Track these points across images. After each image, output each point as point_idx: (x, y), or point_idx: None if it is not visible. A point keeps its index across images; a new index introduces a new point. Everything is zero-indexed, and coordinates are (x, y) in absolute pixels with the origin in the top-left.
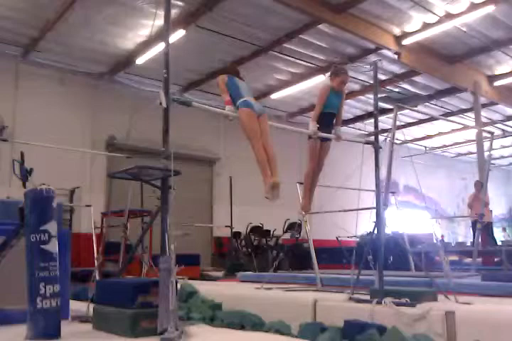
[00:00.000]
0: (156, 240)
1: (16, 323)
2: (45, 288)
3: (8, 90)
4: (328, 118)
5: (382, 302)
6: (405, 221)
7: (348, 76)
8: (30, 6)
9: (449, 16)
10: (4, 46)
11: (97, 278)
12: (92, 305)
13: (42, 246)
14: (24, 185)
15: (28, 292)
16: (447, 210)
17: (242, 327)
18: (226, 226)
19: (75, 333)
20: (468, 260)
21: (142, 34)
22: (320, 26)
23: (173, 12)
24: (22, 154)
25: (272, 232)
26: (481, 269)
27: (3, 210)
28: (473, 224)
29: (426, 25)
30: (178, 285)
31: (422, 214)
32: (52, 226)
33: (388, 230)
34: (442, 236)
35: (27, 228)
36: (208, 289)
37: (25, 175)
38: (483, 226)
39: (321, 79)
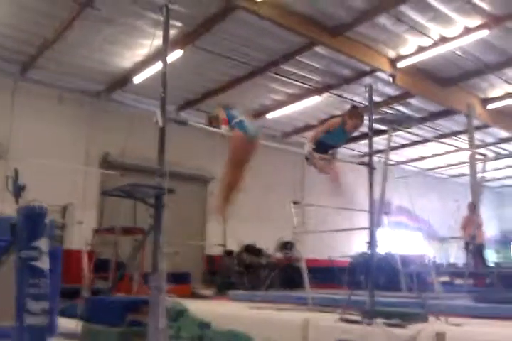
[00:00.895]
0: (148, 258)
1: (4, 339)
2: (33, 304)
3: (5, 107)
4: (325, 148)
5: (374, 323)
6: (398, 241)
7: (363, 123)
8: (30, 25)
9: (444, 40)
10: (2, 63)
11: (87, 295)
12: (80, 322)
13: (32, 263)
14: (17, 202)
15: (16, 308)
16: (440, 231)
17: None
18: (219, 245)
19: None
20: (459, 281)
21: (140, 53)
22: (316, 48)
23: (172, 32)
24: (16, 171)
25: (264, 251)
26: (473, 291)
27: None
28: (466, 246)
29: (421, 49)
30: (168, 304)
31: (415, 234)
32: (43, 243)
33: (381, 250)
34: (434, 257)
35: (18, 244)
36: (198, 307)
37: (19, 191)
38: (475, 248)
39: (316, 100)
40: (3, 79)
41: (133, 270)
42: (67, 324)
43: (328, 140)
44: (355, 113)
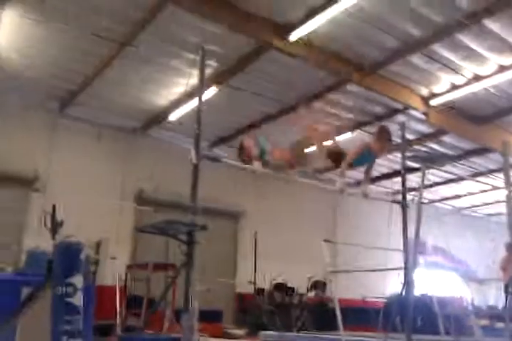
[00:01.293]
0: (180, 294)
1: None
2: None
3: (45, 143)
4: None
5: None
6: (434, 282)
7: (391, 143)
8: (70, 62)
9: (477, 78)
10: (43, 100)
11: (119, 332)
12: None
13: (67, 299)
14: (53, 237)
15: None
16: (477, 272)
17: None
18: (249, 282)
19: None
20: (500, 325)
21: (176, 91)
22: (348, 86)
23: (207, 71)
24: (54, 207)
25: (296, 289)
26: None
27: (31, 260)
28: (506, 288)
29: (454, 87)
30: None
31: (451, 275)
32: (78, 280)
33: (417, 292)
34: (473, 298)
35: (54, 280)
36: None
37: (56, 227)
38: None
39: (347, 137)
40: (43, 115)
41: (165, 307)
42: None
43: (356, 163)
44: (383, 135)
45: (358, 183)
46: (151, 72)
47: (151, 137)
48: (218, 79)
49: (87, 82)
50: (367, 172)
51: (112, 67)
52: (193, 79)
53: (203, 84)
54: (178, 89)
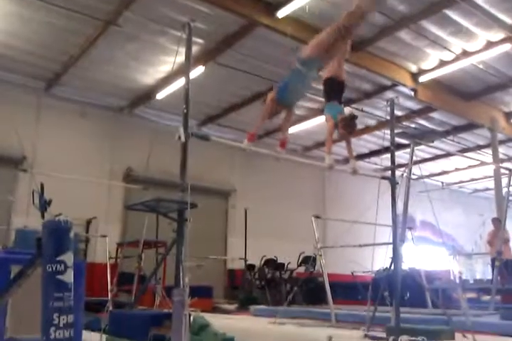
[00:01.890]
0: (170, 271)
1: None
2: (59, 318)
3: (30, 122)
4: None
5: (399, 340)
6: (422, 257)
7: (350, 135)
8: (55, 42)
9: (466, 54)
10: (28, 80)
11: (110, 308)
12: (104, 336)
13: (58, 277)
14: (42, 216)
15: (42, 322)
16: (465, 247)
17: None
18: (240, 259)
19: None
20: (486, 298)
21: (162, 70)
22: None
23: (194, 49)
24: (42, 186)
25: (286, 265)
26: (500, 308)
27: (20, 239)
28: (493, 262)
29: (442, 63)
30: (191, 318)
31: (439, 250)
32: (68, 257)
33: (405, 266)
34: (460, 273)
35: (43, 258)
36: (220, 322)
37: (44, 206)
38: (502, 264)
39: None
40: (28, 95)
41: (156, 283)
42: (91, 337)
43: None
44: (346, 125)
45: (347, 160)
46: (137, 50)
47: (138, 116)
48: (206, 57)
49: (73, 61)
50: (349, 149)
51: (97, 46)
52: (180, 57)
53: (189, 62)
54: (165, 68)
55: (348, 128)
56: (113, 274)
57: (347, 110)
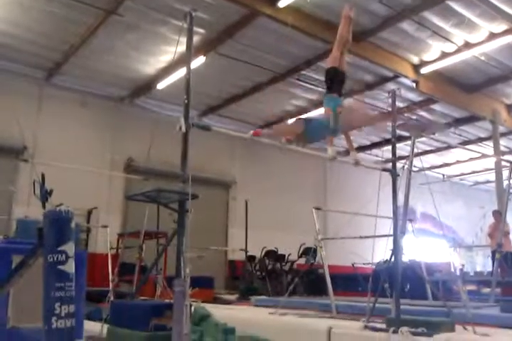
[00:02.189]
0: (171, 262)
1: None
2: (60, 307)
3: (31, 112)
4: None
5: (399, 331)
6: (422, 249)
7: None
8: (56, 31)
9: (468, 46)
10: (29, 69)
11: (111, 298)
12: (105, 326)
13: (59, 267)
14: (43, 206)
15: (44, 311)
16: (465, 239)
17: None
18: (241, 250)
19: None
20: (486, 290)
21: (163, 60)
22: None
23: (195, 39)
24: (43, 176)
25: (286, 257)
26: (500, 300)
27: (21, 229)
28: (493, 254)
29: (444, 54)
30: (192, 309)
31: (440, 242)
32: (69, 247)
33: (405, 258)
34: (463, 265)
35: (45, 248)
36: (221, 313)
37: (45, 196)
38: (502, 256)
39: None
40: (29, 85)
41: (156, 274)
42: (93, 327)
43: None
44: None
45: (348, 152)
46: (138, 39)
47: (139, 106)
48: (207, 47)
49: (73, 50)
50: (348, 140)
51: (98, 36)
52: (181, 47)
53: (191, 52)
54: (166, 58)
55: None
56: (114, 264)
57: (348, 102)
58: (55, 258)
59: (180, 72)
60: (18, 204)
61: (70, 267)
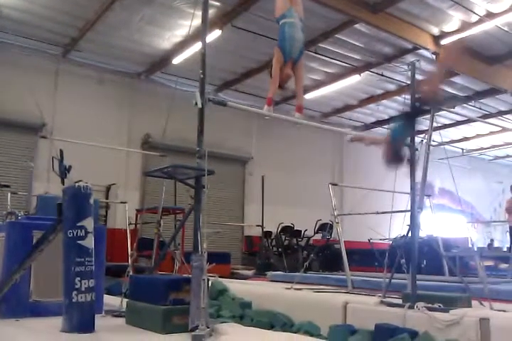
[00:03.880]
0: (189, 237)
1: (51, 315)
2: (80, 282)
3: (49, 89)
4: None
5: (415, 306)
6: (440, 224)
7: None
8: (71, 7)
9: (490, 15)
10: (45, 46)
11: (131, 273)
12: (125, 300)
13: (79, 242)
14: (63, 182)
15: (64, 286)
16: (483, 214)
17: (272, 327)
18: (257, 226)
19: (109, 327)
20: (504, 266)
21: (179, 34)
22: (356, 25)
23: (210, 12)
24: (61, 152)
25: (302, 232)
26: None
27: (41, 205)
28: (511, 229)
29: (465, 25)
30: (209, 283)
31: (458, 217)
32: (89, 223)
33: (422, 234)
34: (491, 240)
35: (65, 223)
36: (238, 287)
37: (64, 172)
38: None
39: (355, 80)
40: (46, 61)
41: (174, 249)
42: (112, 301)
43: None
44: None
45: (366, 127)
46: (153, 14)
47: (155, 82)
48: (222, 20)
49: (89, 26)
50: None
51: (113, 10)
52: (197, 21)
53: (206, 25)
54: (182, 32)
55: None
56: (133, 240)
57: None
58: (75, 234)
59: (196, 47)
60: (37, 181)
61: (90, 242)
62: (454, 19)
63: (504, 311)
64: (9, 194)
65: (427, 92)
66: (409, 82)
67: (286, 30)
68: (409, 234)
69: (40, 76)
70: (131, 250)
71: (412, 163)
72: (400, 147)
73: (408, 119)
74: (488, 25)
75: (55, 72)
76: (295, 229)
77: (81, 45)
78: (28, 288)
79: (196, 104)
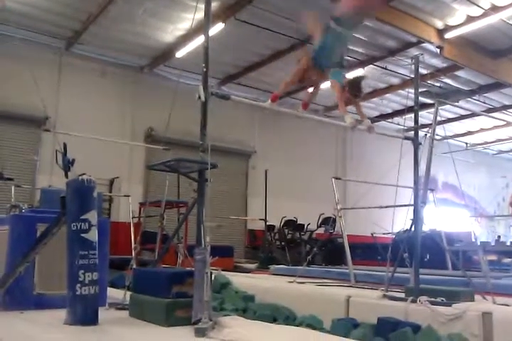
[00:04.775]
0: (192, 231)
1: (55, 308)
2: (84, 275)
3: (52, 82)
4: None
5: (418, 300)
6: (443, 219)
7: (355, 98)
8: (74, 0)
9: (495, 9)
10: (48, 39)
11: (134, 266)
12: (128, 293)
13: (82, 235)
14: (66, 175)
15: (68, 278)
16: (487, 209)
17: (274, 320)
18: (260, 219)
19: (112, 320)
20: (507, 260)
21: (182, 27)
22: None
23: (213, 5)
24: (65, 145)
25: (305, 226)
26: None
27: (45, 198)
28: None
29: (470, 19)
30: (212, 276)
31: (461, 212)
32: (92, 216)
33: (426, 228)
34: (499, 236)
35: (68, 217)
36: (241, 281)
37: (68, 165)
38: None
39: (360, 73)
40: (49, 54)
41: (178, 242)
42: (116, 294)
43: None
44: (355, 87)
45: (369, 119)
46: (156, 6)
47: (158, 75)
48: (225, 13)
49: (92, 19)
50: (358, 111)
51: (116, 4)
52: (200, 14)
53: (209, 18)
54: (184, 25)
55: (354, 91)
56: (136, 233)
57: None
58: (79, 227)
59: (199, 40)
60: (41, 174)
61: (93, 235)
62: (459, 13)
63: (507, 305)
64: (13, 187)
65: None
66: (412, 76)
67: (329, 41)
68: (413, 228)
69: (43, 69)
70: (135, 243)
71: (416, 157)
72: None
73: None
74: (492, 19)
75: (58, 65)
76: (298, 222)
77: (84, 38)
78: (32, 281)
79: (199, 97)
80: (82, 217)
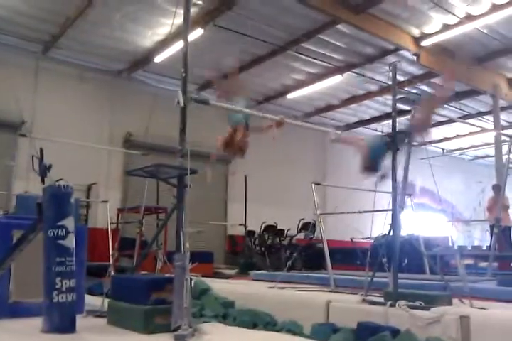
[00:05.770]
0: (171, 237)
1: (32, 316)
2: (61, 282)
3: (28, 86)
4: None
5: (396, 305)
6: (421, 223)
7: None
8: (51, 3)
9: (470, 18)
10: (25, 43)
11: (112, 273)
12: (106, 300)
13: (59, 241)
14: (43, 181)
15: (45, 286)
16: (463, 213)
17: (255, 326)
18: (240, 225)
19: (90, 327)
20: (484, 264)
21: (160, 32)
22: (338, 26)
23: (192, 11)
24: (41, 151)
25: (285, 232)
26: (497, 274)
27: (21, 204)
28: (491, 228)
29: (446, 27)
30: (192, 283)
31: (438, 216)
32: (69, 222)
33: (404, 232)
34: (459, 238)
35: (45, 223)
36: (220, 287)
37: (44, 171)
38: (500, 231)
39: (337, 80)
40: (26, 59)
41: (157, 248)
42: (93, 301)
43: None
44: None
45: (348, 126)
46: (135, 11)
47: (137, 80)
48: (205, 19)
49: (69, 23)
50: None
51: (94, 7)
52: (179, 19)
53: (188, 24)
54: (163, 30)
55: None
56: (114, 239)
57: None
58: (55, 233)
59: (178, 45)
60: (17, 180)
61: (70, 242)
62: (435, 21)
63: (484, 309)
64: None
65: (419, 123)
66: (390, 83)
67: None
68: (391, 233)
69: (19, 73)
70: (113, 250)
71: (394, 163)
72: (376, 162)
73: (390, 144)
74: (467, 27)
75: (35, 70)
76: (278, 228)
77: (61, 42)
78: (8, 289)
79: (178, 102)
80: (59, 224)
